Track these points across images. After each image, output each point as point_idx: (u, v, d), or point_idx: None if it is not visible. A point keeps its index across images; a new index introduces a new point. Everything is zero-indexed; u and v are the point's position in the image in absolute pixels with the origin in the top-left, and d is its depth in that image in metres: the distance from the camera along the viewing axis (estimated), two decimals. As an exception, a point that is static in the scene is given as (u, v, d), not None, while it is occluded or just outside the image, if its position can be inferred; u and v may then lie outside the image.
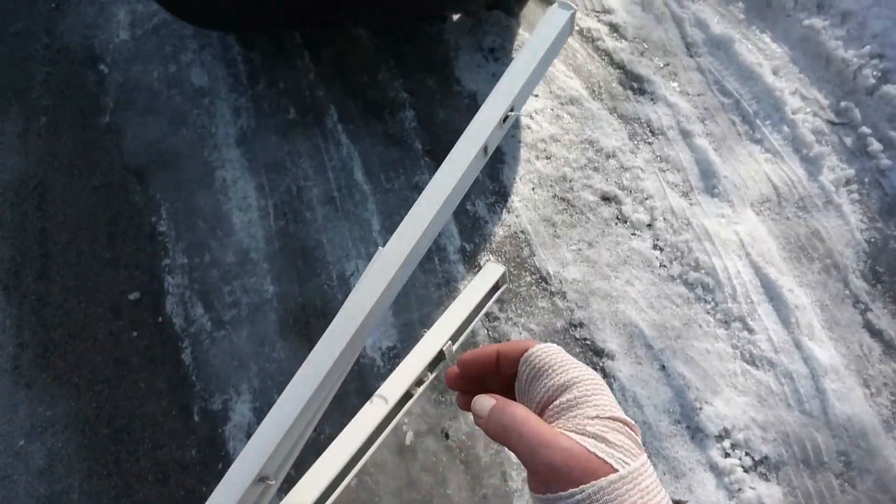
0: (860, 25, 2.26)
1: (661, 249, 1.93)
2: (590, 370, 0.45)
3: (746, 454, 1.60)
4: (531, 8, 2.49)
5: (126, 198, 2.10)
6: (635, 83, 2.30)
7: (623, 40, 2.41)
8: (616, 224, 1.98)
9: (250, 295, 1.88)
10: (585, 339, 1.78)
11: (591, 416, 0.41)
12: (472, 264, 1.91)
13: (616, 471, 0.37)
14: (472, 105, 2.24)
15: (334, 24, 2.17)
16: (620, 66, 2.34)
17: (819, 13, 2.35)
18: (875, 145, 2.04)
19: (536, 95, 2.26)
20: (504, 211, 2.02)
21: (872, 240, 1.93)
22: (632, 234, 1.96)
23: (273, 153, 2.14)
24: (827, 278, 1.86)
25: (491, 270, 0.92)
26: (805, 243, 1.92)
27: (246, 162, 2.14)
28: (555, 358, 0.46)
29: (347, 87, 2.29)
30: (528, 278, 1.89)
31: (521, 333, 1.79)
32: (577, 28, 2.45)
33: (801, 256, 1.90)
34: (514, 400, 0.47)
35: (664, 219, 1.98)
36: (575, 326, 1.80)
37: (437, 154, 2.13)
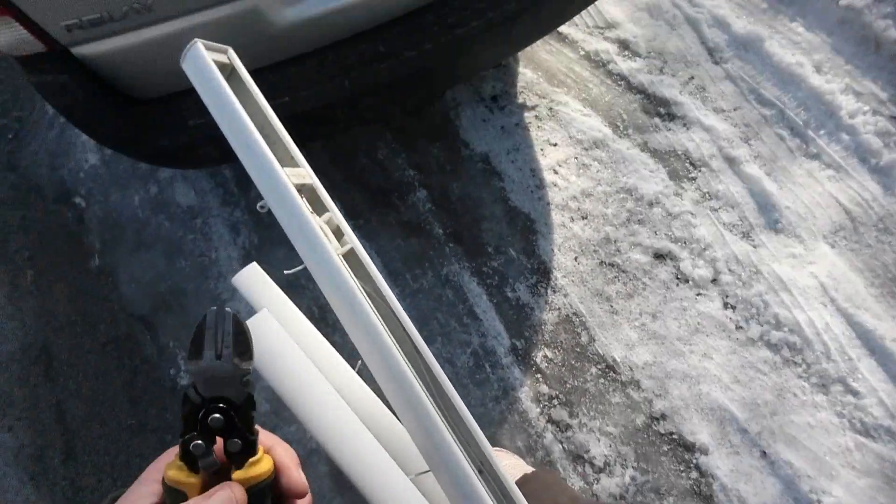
0: (904, -6, 1.99)
1: (734, 308, 1.72)
2: None
3: (882, 547, 1.43)
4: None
5: (137, 351, 1.92)
6: (662, 108, 2.05)
7: (637, 58, 2.15)
8: (677, 285, 1.77)
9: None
10: (672, 434, 1.60)
11: None
12: (528, 364, 1.72)
13: None
14: (487, 169, 2.01)
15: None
16: (641, 91, 2.09)
17: (853, -14, 2.07)
18: (951, 140, 1.80)
19: (556, 144, 2.03)
20: (549, 291, 1.81)
21: (968, 253, 1.71)
22: (697, 295, 1.75)
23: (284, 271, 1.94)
24: (927, 311, 1.65)
25: None
26: None
27: (256, 285, 1.93)
28: None
29: (348, 175, 2.07)
30: (594, 370, 1.70)
31: (599, 440, 1.61)
32: (582, 53, 2.19)
33: None
34: None
35: (729, 270, 1.76)
36: (657, 420, 1.62)
37: (462, 236, 1.91)
